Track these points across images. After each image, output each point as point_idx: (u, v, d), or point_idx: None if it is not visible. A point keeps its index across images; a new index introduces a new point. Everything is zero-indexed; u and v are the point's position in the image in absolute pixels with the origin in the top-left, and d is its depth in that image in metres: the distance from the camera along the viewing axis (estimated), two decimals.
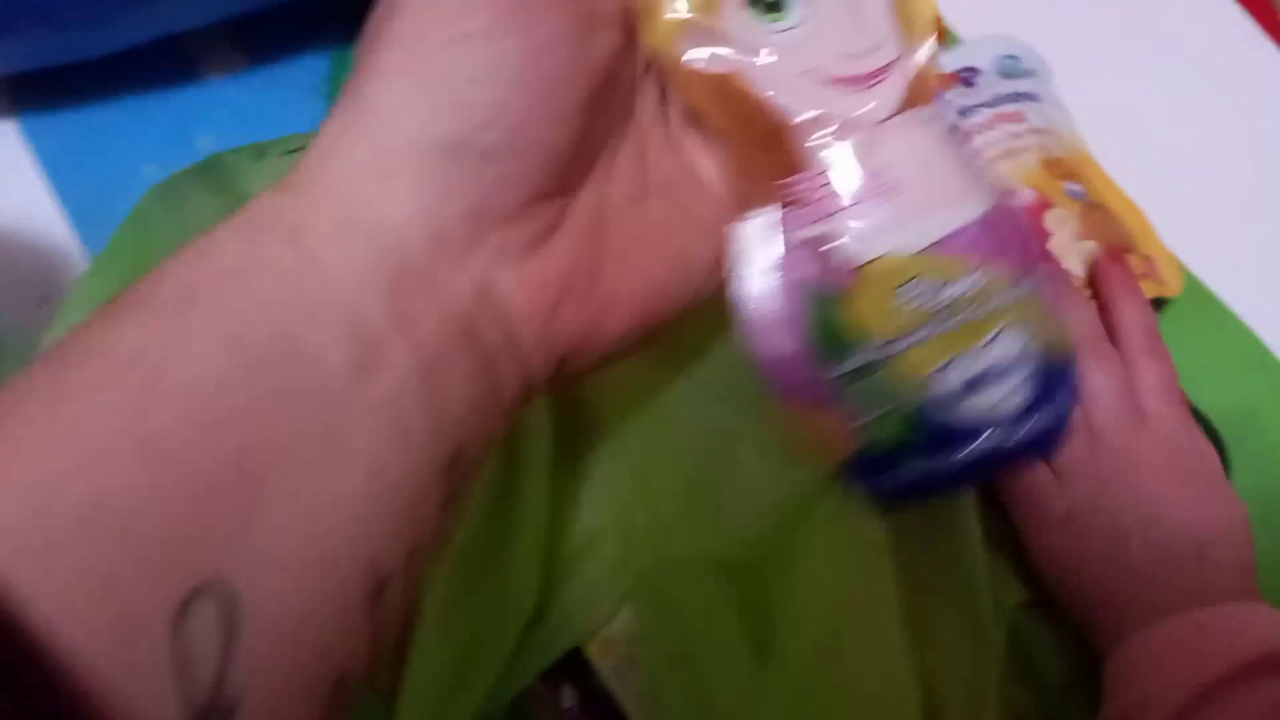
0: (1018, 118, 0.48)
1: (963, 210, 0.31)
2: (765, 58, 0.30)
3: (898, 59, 0.31)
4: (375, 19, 0.26)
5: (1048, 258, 0.44)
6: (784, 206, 0.31)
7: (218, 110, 0.50)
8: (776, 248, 0.30)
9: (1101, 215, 0.48)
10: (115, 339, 0.22)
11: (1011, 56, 0.50)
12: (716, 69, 0.30)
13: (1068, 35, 0.52)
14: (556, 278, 0.27)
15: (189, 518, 0.20)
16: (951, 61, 0.50)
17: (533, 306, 0.26)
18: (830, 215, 0.31)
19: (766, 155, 0.31)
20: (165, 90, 0.50)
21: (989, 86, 0.49)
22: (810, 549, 0.36)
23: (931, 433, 0.31)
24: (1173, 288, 0.48)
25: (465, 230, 0.25)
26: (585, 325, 0.28)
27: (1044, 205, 0.47)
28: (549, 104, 0.25)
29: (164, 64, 0.50)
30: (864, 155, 0.31)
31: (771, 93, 0.30)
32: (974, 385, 0.31)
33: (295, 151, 0.41)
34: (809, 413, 0.31)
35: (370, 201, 0.24)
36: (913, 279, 0.31)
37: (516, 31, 0.24)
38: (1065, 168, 0.49)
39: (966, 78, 0.49)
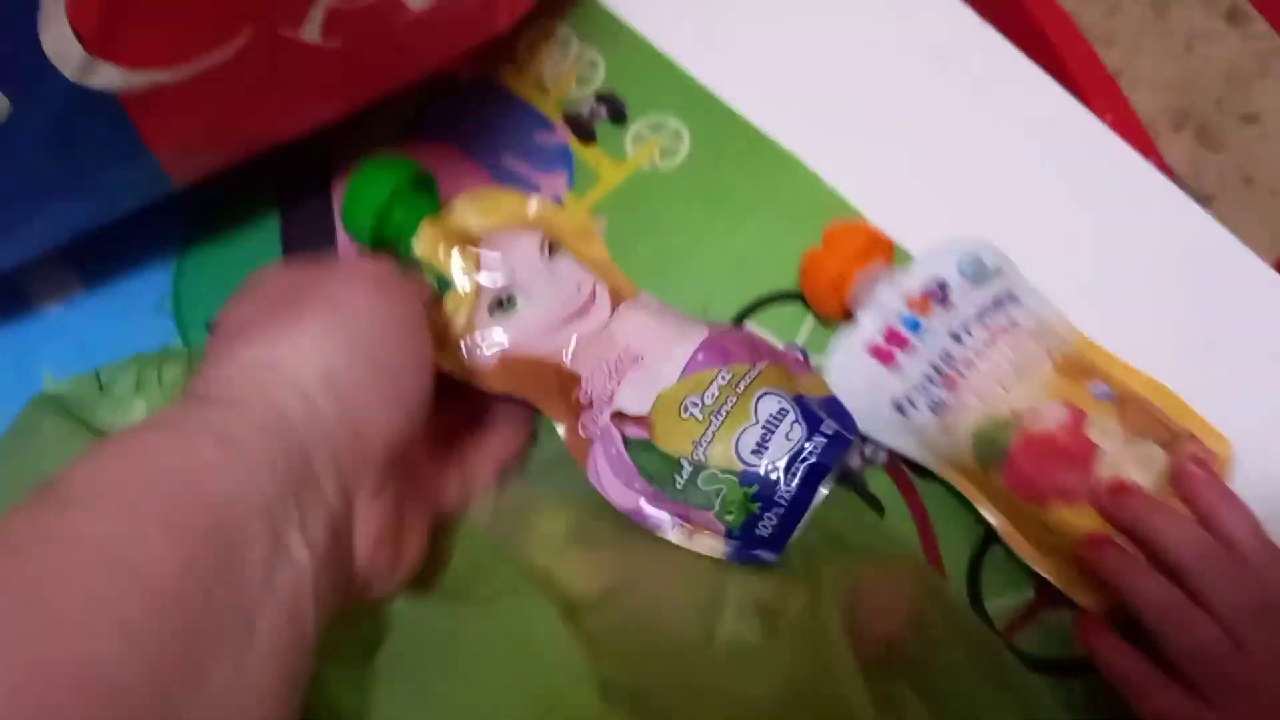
0: (1011, 327, 0.46)
1: (683, 347, 0.44)
2: (518, 334, 0.45)
3: (594, 283, 0.46)
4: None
5: (770, 351, 0.47)
6: (584, 412, 0.43)
7: (57, 341, 0.51)
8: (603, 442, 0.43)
9: (1136, 407, 0.46)
10: (78, 530, 0.26)
11: (973, 259, 0.47)
12: (497, 357, 0.45)
13: (1007, 224, 0.49)
14: (387, 519, 0.35)
15: (156, 685, 0.24)
16: (914, 281, 0.47)
17: (367, 535, 0.34)
18: (611, 397, 0.43)
19: (556, 393, 0.43)
20: (1, 326, 0.51)
21: (965, 299, 0.47)
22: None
23: (761, 489, 0.41)
24: (1224, 455, 0.46)
25: (349, 454, 0.33)
26: (390, 559, 0.36)
27: (1079, 418, 0.45)
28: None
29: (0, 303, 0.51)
30: (609, 351, 0.44)
31: (531, 349, 0.44)
32: (762, 444, 0.41)
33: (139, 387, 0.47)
34: (679, 530, 0.42)
35: (285, 413, 0.31)
36: (682, 400, 0.43)
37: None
38: (1079, 367, 0.47)
39: (939, 294, 0.46)
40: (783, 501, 0.41)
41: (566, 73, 0.56)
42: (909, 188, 0.53)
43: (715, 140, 0.54)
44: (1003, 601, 0.46)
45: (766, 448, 0.41)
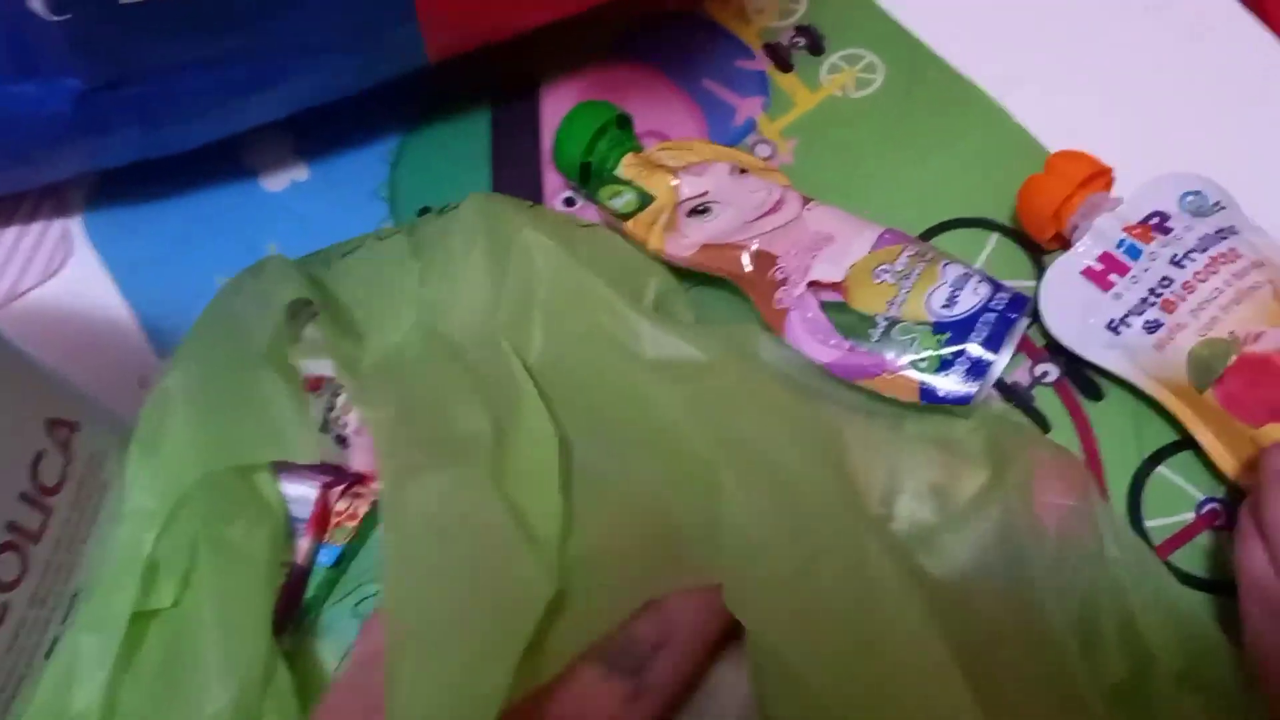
0: (1233, 256, 0.46)
1: (871, 230, 0.48)
2: (715, 230, 0.49)
3: (782, 190, 0.50)
4: None
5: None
6: (779, 287, 0.46)
7: (283, 218, 0.56)
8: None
9: None
10: None
11: (1194, 193, 0.48)
12: (698, 245, 0.48)
13: (1230, 160, 0.49)
14: None
15: None
16: (1135, 210, 0.48)
17: None
18: (808, 269, 0.46)
19: (750, 272, 0.47)
20: (231, 203, 0.57)
21: (1188, 230, 0.47)
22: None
23: (952, 335, 0.45)
24: None
25: None
26: None
27: None
28: None
29: (229, 178, 0.57)
30: (802, 234, 0.47)
31: (728, 239, 0.49)
32: (951, 299, 0.45)
33: (349, 254, 0.49)
34: (876, 378, 0.45)
35: None
36: (874, 268, 0.47)
37: None
38: None
39: (1159, 224, 0.48)
40: (975, 344, 0.44)
41: (769, 5, 0.58)
42: (1105, 133, 0.52)
43: (909, 75, 0.56)
44: (1160, 523, 0.46)
45: (956, 301, 0.45)
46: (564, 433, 0.42)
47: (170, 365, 0.45)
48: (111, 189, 0.57)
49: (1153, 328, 0.46)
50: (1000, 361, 0.45)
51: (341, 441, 0.47)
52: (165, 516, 0.42)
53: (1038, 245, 0.51)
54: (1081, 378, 0.49)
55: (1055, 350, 0.49)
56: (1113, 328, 0.47)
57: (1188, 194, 0.48)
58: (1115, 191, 0.50)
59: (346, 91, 0.51)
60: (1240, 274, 0.46)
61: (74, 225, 0.57)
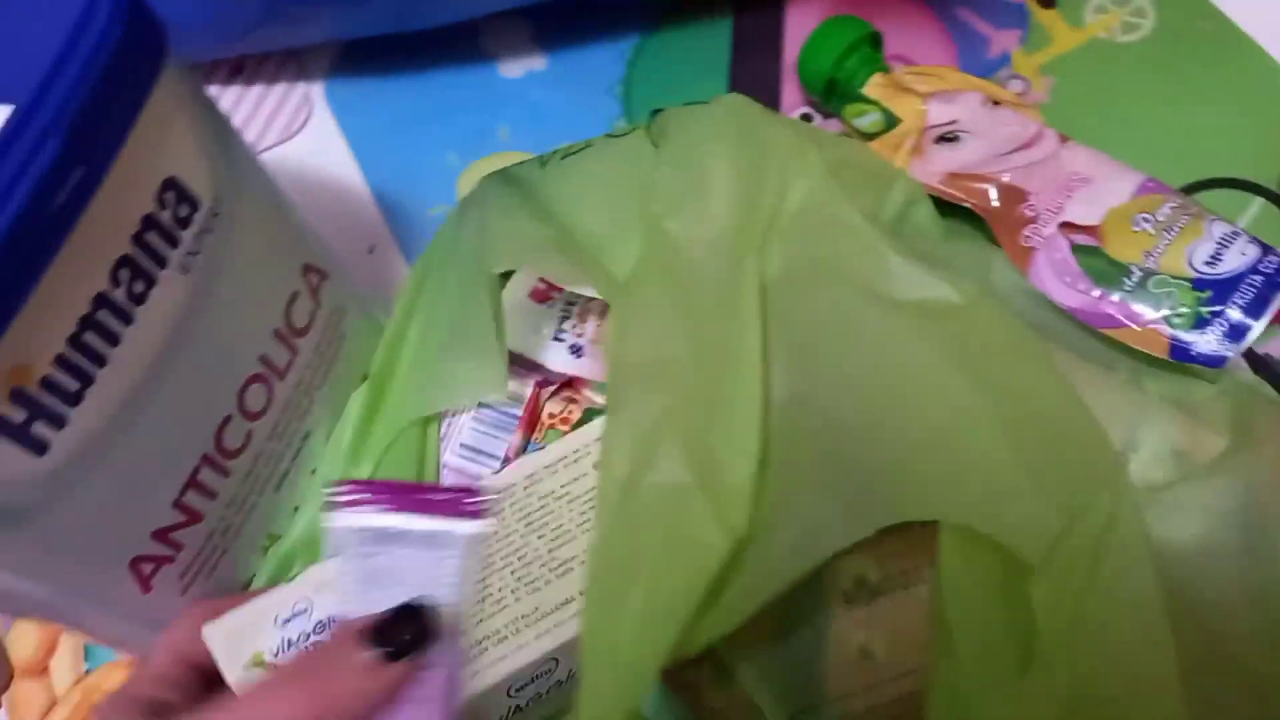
0: None
1: (1132, 177, 0.45)
2: (963, 159, 0.47)
3: (1039, 125, 0.47)
4: None
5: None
6: (1028, 224, 0.43)
7: (517, 105, 0.56)
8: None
9: None
10: None
11: None
12: (944, 173, 0.47)
13: None
14: None
15: None
16: None
17: None
18: (1060, 209, 0.43)
19: (996, 207, 0.45)
20: (468, 86, 0.57)
21: None
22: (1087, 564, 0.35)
23: (1213, 294, 0.42)
24: None
25: None
26: None
27: None
28: None
29: (468, 62, 0.58)
30: (1057, 173, 0.45)
31: (976, 170, 0.46)
32: (1216, 256, 0.42)
33: (572, 154, 0.46)
34: (1123, 329, 0.43)
35: None
36: (1134, 215, 0.44)
37: None
38: None
39: None
40: (1236, 306, 0.42)
41: None
42: None
43: (1180, 23, 0.53)
44: None
45: (1221, 259, 0.42)
46: (782, 364, 0.39)
47: (401, 294, 0.45)
48: (354, 59, 0.58)
49: None
50: (1258, 328, 0.42)
51: (576, 351, 0.46)
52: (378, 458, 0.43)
53: None
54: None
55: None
56: None
57: None
58: None
59: None
60: None
61: (315, 90, 0.58)
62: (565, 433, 0.46)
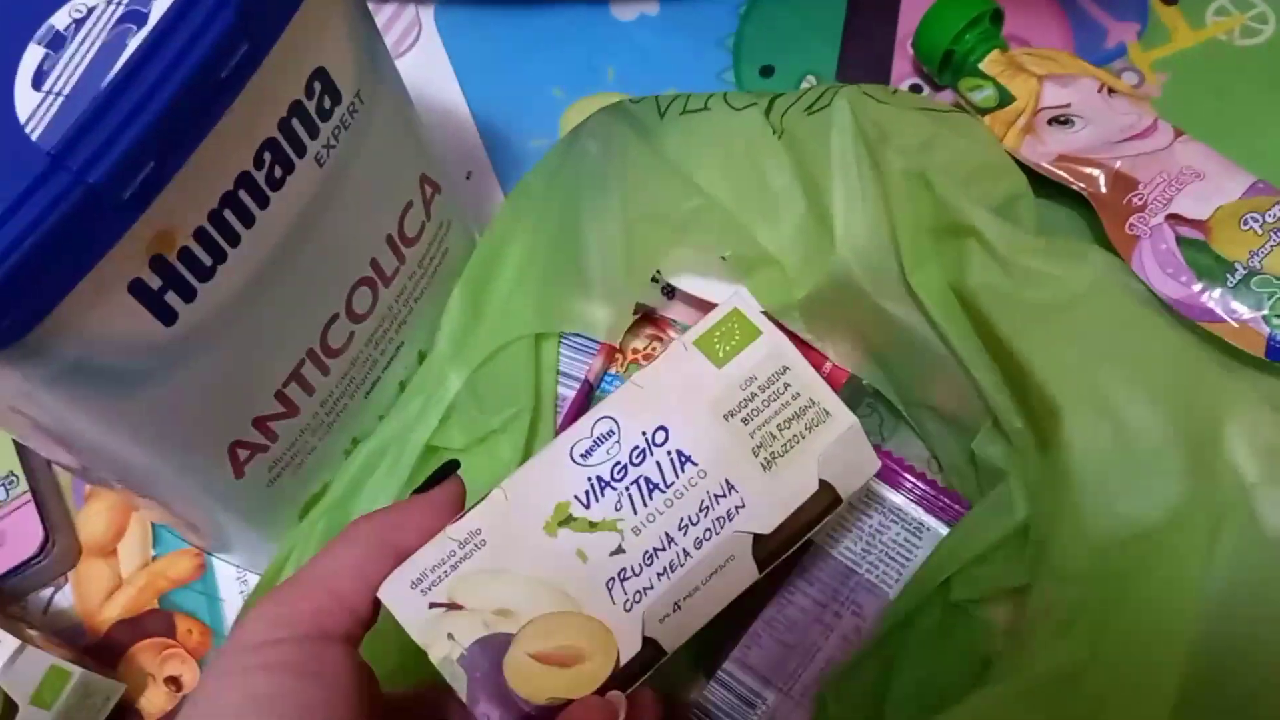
0: None
1: (1244, 177, 0.45)
2: (1076, 143, 0.47)
3: (1155, 117, 0.47)
4: None
5: None
6: (1135, 213, 0.44)
7: (627, 47, 0.57)
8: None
9: None
10: None
11: None
12: (1055, 154, 0.47)
13: None
14: None
15: None
16: None
17: None
18: (1170, 201, 0.44)
19: (1106, 193, 0.46)
20: (580, 23, 0.57)
21: None
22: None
23: None
24: None
25: None
26: None
27: None
28: None
29: (583, 3, 0.58)
30: (1169, 165, 0.45)
31: (1088, 154, 0.47)
32: None
33: (691, 112, 0.46)
34: (1221, 324, 0.42)
35: None
36: (1243, 215, 0.44)
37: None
38: None
39: None
40: None
41: None
42: None
43: None
44: None
45: None
46: None
47: (504, 211, 0.46)
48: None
49: None
50: None
51: (669, 293, 0.47)
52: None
53: None
54: None
55: None
56: None
57: None
58: None
59: None
60: None
61: (425, 12, 0.59)
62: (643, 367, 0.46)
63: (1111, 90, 0.49)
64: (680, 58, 0.56)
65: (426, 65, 0.57)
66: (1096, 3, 0.54)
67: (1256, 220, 0.44)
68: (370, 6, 0.59)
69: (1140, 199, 0.45)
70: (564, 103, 0.55)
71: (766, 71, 0.55)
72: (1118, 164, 0.46)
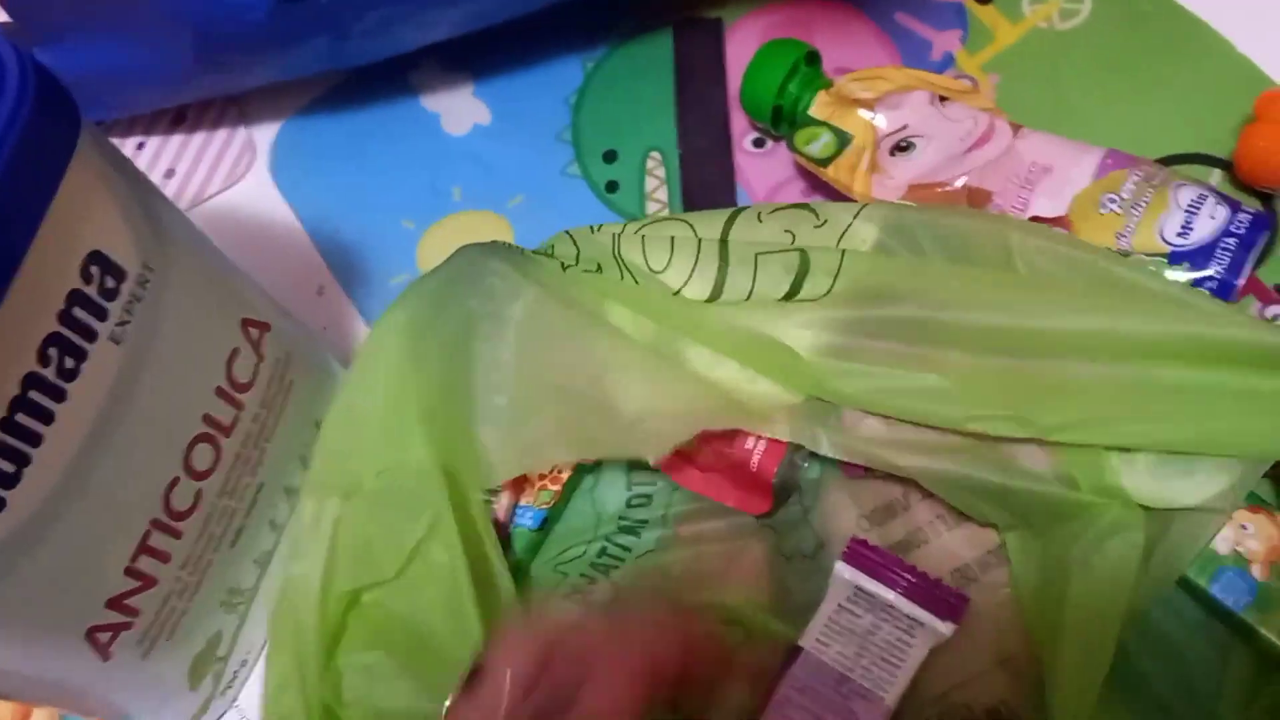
0: None
1: (1091, 155, 0.45)
2: (921, 168, 0.47)
3: (990, 118, 0.47)
4: None
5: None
6: None
7: (467, 162, 0.56)
8: None
9: None
10: None
11: None
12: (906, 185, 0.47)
13: None
14: None
15: None
16: None
17: None
18: (1028, 204, 0.43)
19: None
20: (415, 146, 0.56)
21: None
22: None
23: (1191, 264, 0.41)
24: None
25: None
26: None
27: None
28: None
29: (412, 120, 0.57)
30: (1017, 166, 0.45)
31: (936, 177, 0.47)
32: (1186, 226, 0.42)
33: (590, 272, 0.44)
34: None
35: None
36: (1099, 198, 0.43)
37: None
38: None
39: None
40: (1216, 275, 0.41)
41: None
42: None
43: (1118, 4, 0.53)
44: None
45: (1191, 228, 0.42)
46: None
47: (377, 346, 0.44)
48: (297, 110, 0.58)
49: None
50: (1245, 274, 0.42)
51: None
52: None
53: None
54: None
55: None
56: None
57: None
58: None
59: (530, 6, 0.51)
60: None
61: (260, 138, 0.58)
62: (556, 491, 0.45)
63: (944, 98, 0.48)
64: (522, 161, 0.55)
65: (263, 190, 0.57)
66: (915, 16, 0.54)
67: (1114, 200, 0.43)
68: (203, 135, 0.59)
69: (999, 209, 0.45)
70: (416, 234, 0.54)
71: (609, 157, 0.54)
72: (968, 179, 0.46)
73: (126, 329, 0.34)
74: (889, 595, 0.40)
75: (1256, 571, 0.38)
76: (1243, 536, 0.39)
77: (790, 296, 0.41)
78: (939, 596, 0.39)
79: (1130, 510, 0.38)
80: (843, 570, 0.41)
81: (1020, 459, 0.40)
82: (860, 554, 0.41)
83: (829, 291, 0.40)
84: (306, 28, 0.48)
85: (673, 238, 0.43)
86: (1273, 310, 0.45)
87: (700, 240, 0.42)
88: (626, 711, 0.33)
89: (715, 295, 0.42)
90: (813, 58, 0.51)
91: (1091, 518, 0.38)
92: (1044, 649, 0.38)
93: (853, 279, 0.40)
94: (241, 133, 0.58)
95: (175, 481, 0.38)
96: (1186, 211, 0.42)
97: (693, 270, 0.42)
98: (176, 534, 0.38)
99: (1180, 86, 0.50)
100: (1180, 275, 0.42)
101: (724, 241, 0.42)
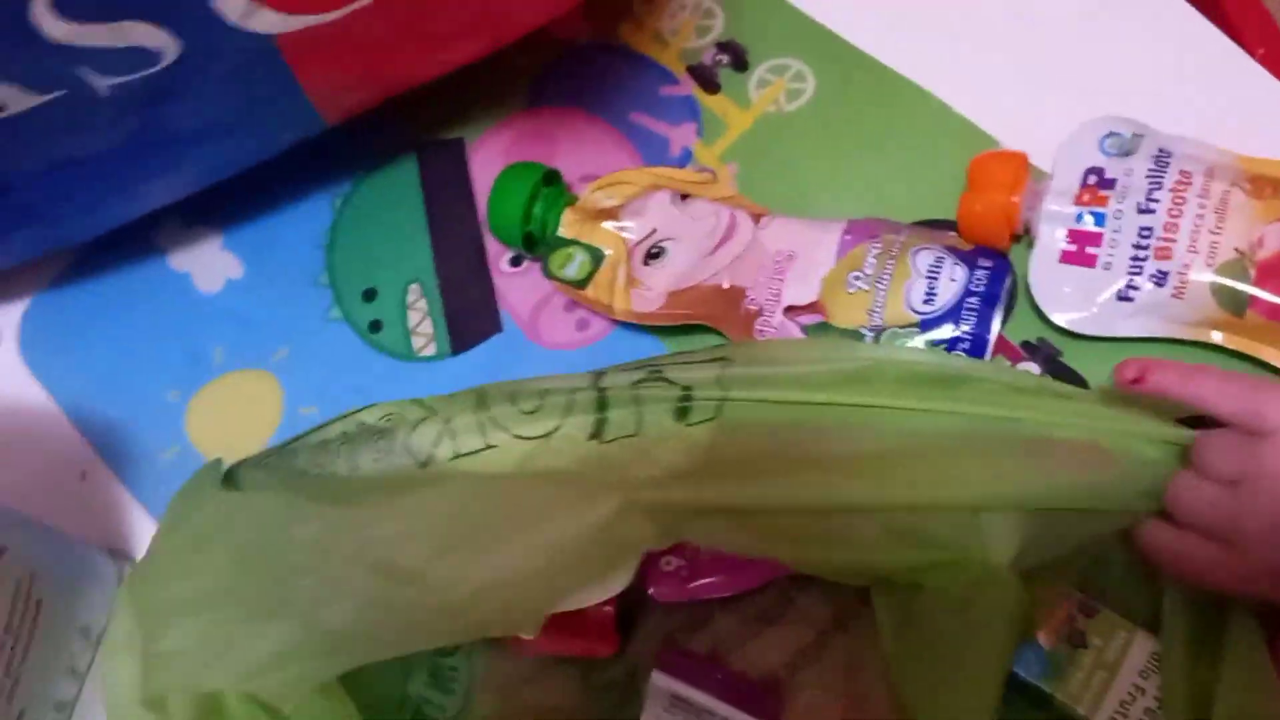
0: (1186, 178, 0.45)
1: (831, 233, 0.47)
2: (676, 272, 0.48)
3: (730, 211, 0.49)
4: None
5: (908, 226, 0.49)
6: (756, 319, 0.46)
7: (225, 320, 0.54)
8: None
9: None
10: None
11: (1112, 134, 0.47)
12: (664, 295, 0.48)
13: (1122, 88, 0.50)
14: None
15: None
16: (1070, 179, 0.47)
17: None
18: (778, 296, 0.46)
19: (725, 311, 0.47)
20: (167, 311, 0.55)
21: (1129, 173, 0.46)
22: None
23: (940, 327, 0.44)
24: None
25: None
26: None
27: None
28: None
29: (161, 283, 0.55)
30: (763, 257, 0.47)
31: (691, 281, 0.48)
32: (930, 292, 0.44)
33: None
34: None
35: None
36: (845, 278, 0.46)
37: None
38: (1267, 183, 0.46)
39: (1101, 181, 0.46)
40: (966, 337, 0.44)
41: (685, 24, 0.57)
42: (1035, 102, 0.52)
43: (839, 77, 0.55)
44: None
45: (935, 294, 0.44)
46: None
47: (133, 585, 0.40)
48: (43, 288, 0.56)
49: (1161, 280, 0.44)
50: (992, 336, 0.45)
51: None
52: None
53: None
54: (1066, 372, 0.47)
55: (1032, 350, 0.47)
56: (1124, 297, 0.45)
57: (1105, 137, 0.47)
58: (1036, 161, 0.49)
59: (259, 157, 0.50)
60: (1204, 192, 0.45)
61: (3, 319, 0.56)
62: None
63: (685, 195, 0.49)
64: (281, 312, 0.54)
65: (8, 379, 0.54)
66: (649, 114, 0.55)
67: (859, 278, 0.45)
68: None
69: (754, 303, 0.46)
70: (181, 404, 0.53)
71: (369, 295, 0.53)
72: (720, 279, 0.47)
73: None
74: (705, 700, 0.41)
75: (1043, 640, 0.41)
76: None
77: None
78: (753, 695, 0.41)
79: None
80: (658, 679, 0.41)
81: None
82: (674, 661, 0.41)
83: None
84: (6, 221, 0.47)
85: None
86: (1023, 367, 0.47)
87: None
88: None
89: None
90: (552, 177, 0.51)
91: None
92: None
93: None
94: None
95: None
96: (928, 278, 0.44)
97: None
98: None
99: (907, 152, 0.52)
100: (933, 338, 0.44)
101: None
